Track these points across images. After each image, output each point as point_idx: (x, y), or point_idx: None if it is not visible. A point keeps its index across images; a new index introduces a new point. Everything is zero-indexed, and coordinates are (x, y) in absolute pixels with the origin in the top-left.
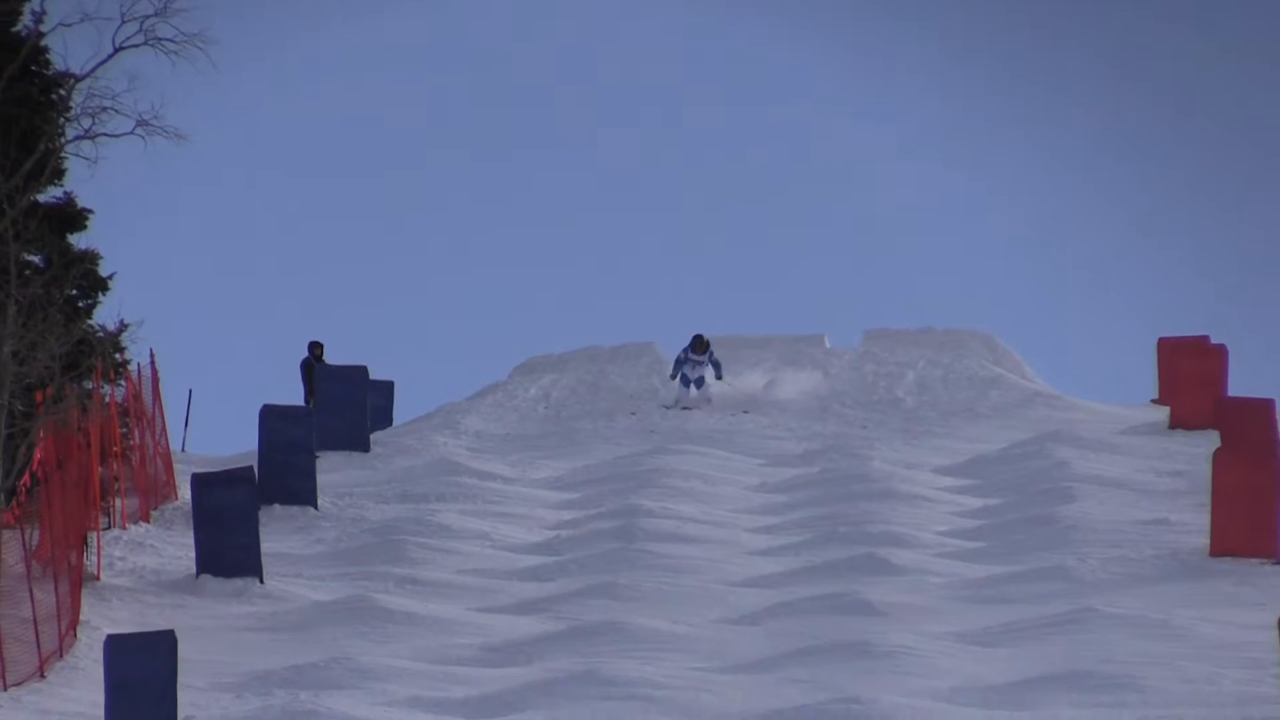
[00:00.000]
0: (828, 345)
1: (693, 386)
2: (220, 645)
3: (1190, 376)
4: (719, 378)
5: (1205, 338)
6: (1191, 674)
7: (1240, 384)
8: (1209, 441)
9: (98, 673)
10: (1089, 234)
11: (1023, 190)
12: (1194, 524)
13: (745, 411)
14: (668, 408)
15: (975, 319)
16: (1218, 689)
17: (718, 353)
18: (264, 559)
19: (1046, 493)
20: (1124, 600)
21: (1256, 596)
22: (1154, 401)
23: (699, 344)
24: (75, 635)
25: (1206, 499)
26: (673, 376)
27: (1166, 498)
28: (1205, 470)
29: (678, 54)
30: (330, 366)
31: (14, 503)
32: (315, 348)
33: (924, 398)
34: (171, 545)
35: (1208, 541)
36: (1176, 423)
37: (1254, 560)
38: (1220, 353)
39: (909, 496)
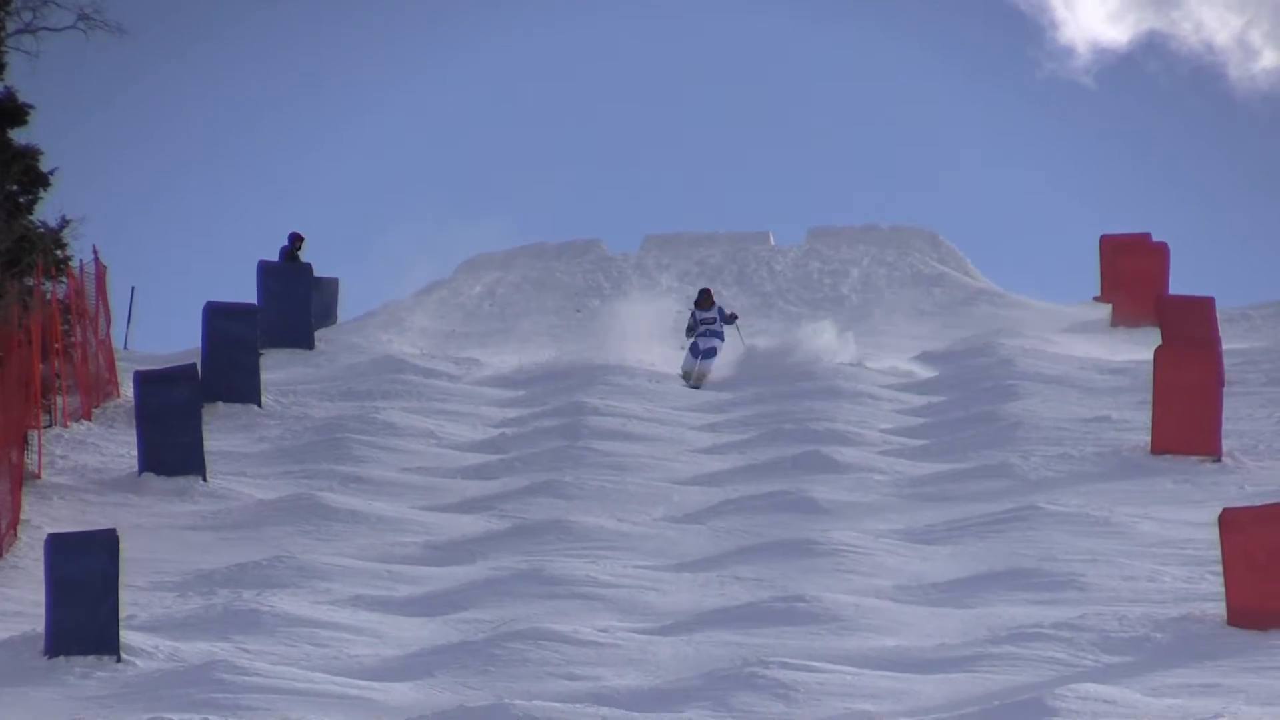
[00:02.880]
0: (772, 242)
1: (701, 358)
2: (163, 544)
3: (1132, 274)
4: (732, 322)
5: (1147, 235)
6: (1133, 571)
7: (1181, 282)
8: (1151, 339)
9: (38, 572)
10: (1033, 130)
11: (967, 87)
12: (1136, 421)
13: (681, 311)
14: (687, 382)
15: (918, 216)
16: (1159, 586)
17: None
18: (207, 457)
19: (990, 390)
20: (1066, 498)
21: (1197, 494)
22: (1096, 299)
23: (705, 298)
24: (16, 534)
25: (1148, 396)
26: (690, 334)
27: (1109, 395)
28: (1147, 368)
29: None
30: (274, 264)
31: None
32: (295, 239)
33: (868, 295)
34: (113, 443)
35: (1149, 439)
36: (1119, 320)
37: (1195, 458)
38: (1162, 251)
39: (853, 394)
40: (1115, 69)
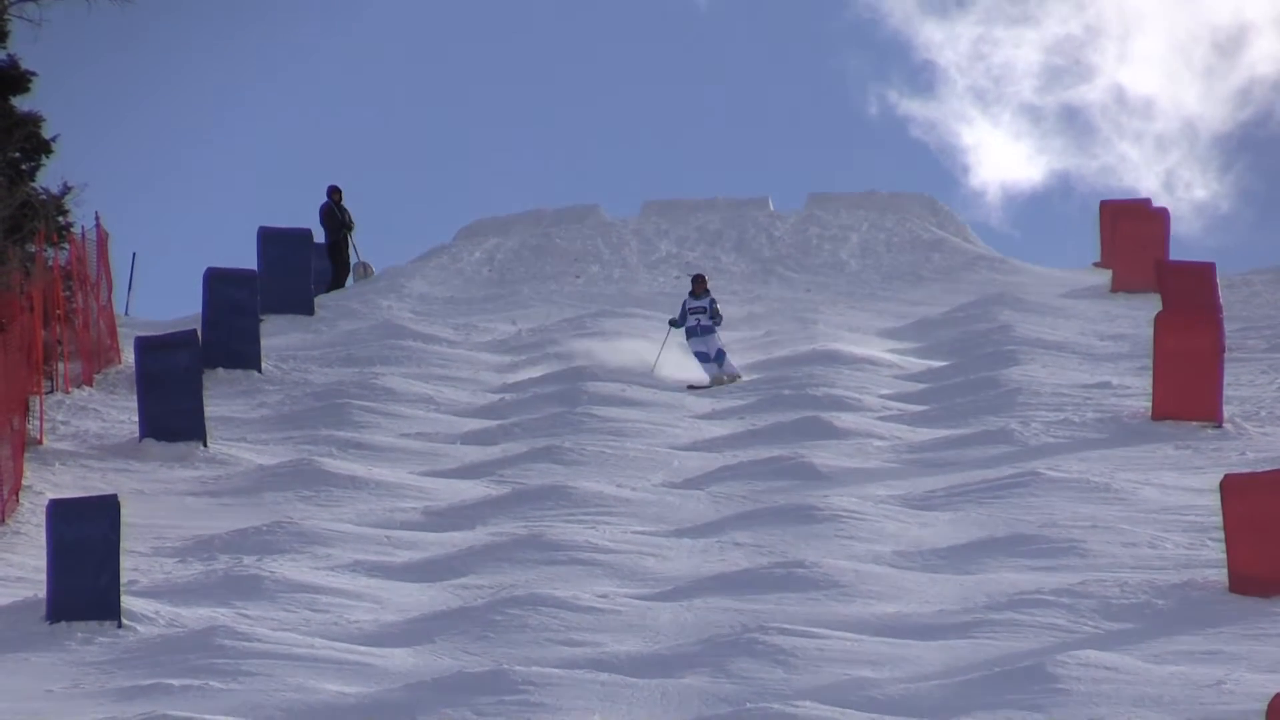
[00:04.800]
0: (771, 208)
1: (712, 364)
2: (163, 510)
3: (1132, 240)
4: (717, 323)
5: (1147, 201)
6: (1133, 537)
7: (1181, 248)
8: (1151, 305)
9: (40, 538)
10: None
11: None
12: (1136, 387)
13: (680, 276)
14: (694, 386)
15: (918, 181)
16: (1160, 552)
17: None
18: (208, 423)
19: (990, 356)
20: (1067, 464)
21: (1198, 460)
22: (1096, 265)
23: (699, 285)
24: (17, 500)
25: (1149, 362)
26: (678, 325)
27: (1109, 361)
28: (1147, 333)
29: None
30: (274, 229)
31: None
32: (334, 192)
33: (867, 261)
34: (115, 409)
35: (1150, 405)
36: (1119, 286)
37: (1195, 424)
38: (1162, 216)
39: (852, 360)
40: (1026, 208)
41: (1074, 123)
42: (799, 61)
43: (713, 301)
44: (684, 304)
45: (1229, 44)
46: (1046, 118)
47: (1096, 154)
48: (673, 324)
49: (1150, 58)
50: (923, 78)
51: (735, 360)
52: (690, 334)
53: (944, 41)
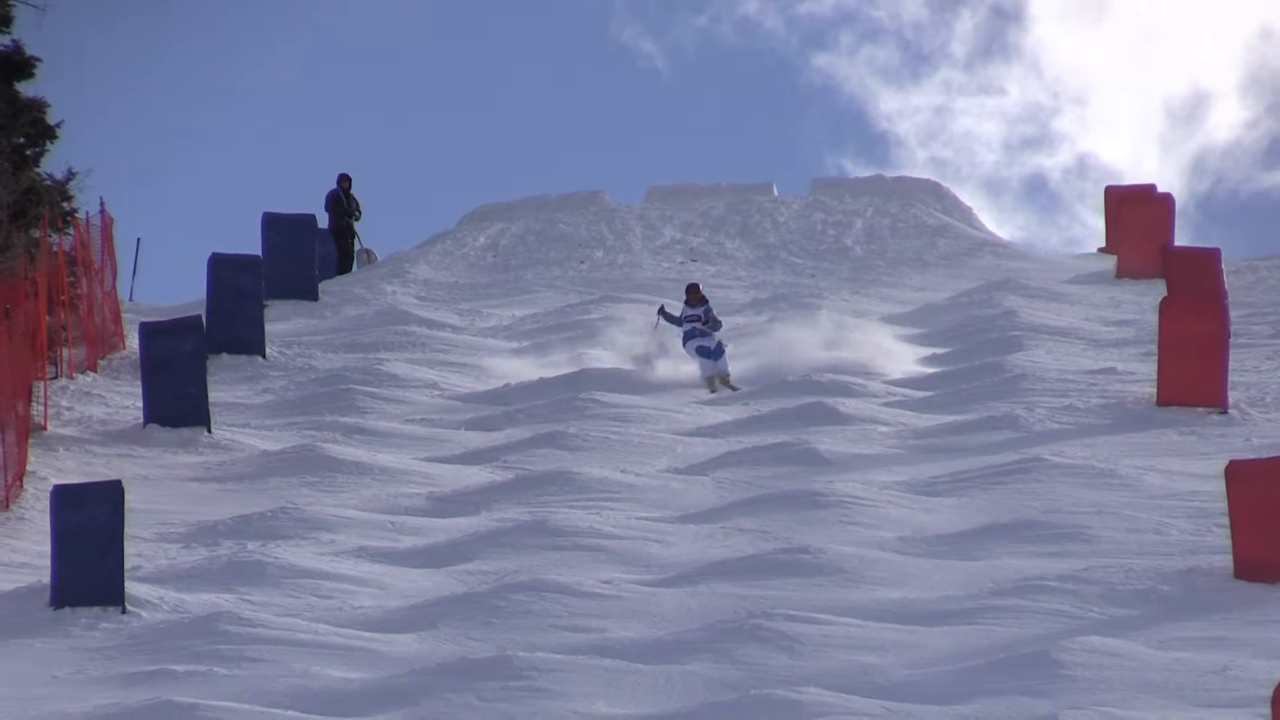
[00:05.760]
0: (776, 194)
1: (714, 359)
2: (168, 495)
3: (1137, 225)
4: (716, 329)
5: (1152, 187)
6: (1138, 524)
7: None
8: (1156, 291)
9: (44, 523)
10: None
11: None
12: (1141, 373)
13: (693, 260)
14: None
15: (923, 167)
16: (1165, 539)
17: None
18: (212, 409)
19: (994, 342)
20: (1071, 450)
21: (1203, 446)
22: (1101, 250)
23: (694, 293)
24: (22, 486)
25: (1153, 348)
26: (668, 318)
27: (1114, 347)
28: (1152, 320)
29: None
30: (278, 215)
31: None
32: (344, 180)
33: (872, 247)
34: (119, 395)
35: (1155, 391)
36: (1124, 272)
37: (1200, 410)
38: (1166, 202)
39: (856, 345)
40: None
41: (1037, 194)
42: (755, 127)
43: (708, 310)
44: (683, 310)
45: (1184, 113)
46: (1008, 190)
47: (1060, 225)
48: (662, 313)
49: (1112, 126)
50: (879, 149)
51: (735, 350)
52: (689, 336)
53: (901, 111)
